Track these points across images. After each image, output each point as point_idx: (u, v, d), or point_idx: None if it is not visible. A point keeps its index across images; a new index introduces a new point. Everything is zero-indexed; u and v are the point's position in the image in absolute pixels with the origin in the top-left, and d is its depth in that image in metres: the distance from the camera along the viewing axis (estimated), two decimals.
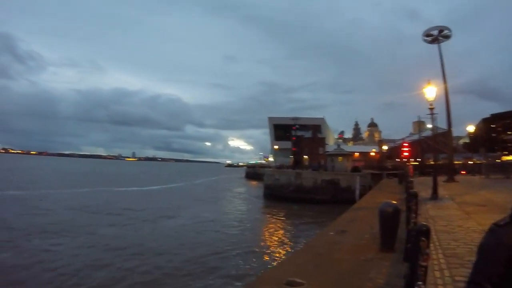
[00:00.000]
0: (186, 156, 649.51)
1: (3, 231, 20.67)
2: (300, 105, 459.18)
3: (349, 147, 73.80)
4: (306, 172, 43.52)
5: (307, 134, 62.94)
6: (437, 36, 24.49)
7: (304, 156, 60.33)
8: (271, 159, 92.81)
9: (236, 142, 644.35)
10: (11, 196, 36.46)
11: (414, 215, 6.28)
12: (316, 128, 65.40)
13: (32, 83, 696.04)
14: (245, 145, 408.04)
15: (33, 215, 26.46)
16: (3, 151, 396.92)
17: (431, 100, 16.74)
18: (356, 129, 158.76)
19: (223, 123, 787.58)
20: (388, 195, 17.35)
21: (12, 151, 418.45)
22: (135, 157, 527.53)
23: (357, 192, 35.08)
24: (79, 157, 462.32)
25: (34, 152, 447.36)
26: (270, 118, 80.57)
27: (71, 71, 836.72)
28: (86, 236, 20.58)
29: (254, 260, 16.27)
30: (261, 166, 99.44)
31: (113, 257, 16.30)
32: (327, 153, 52.29)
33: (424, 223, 3.16)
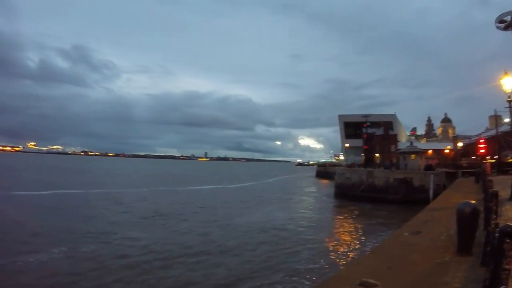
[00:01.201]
0: (257, 156, 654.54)
1: (89, 225, 23.02)
2: (370, 102, 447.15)
3: (422, 144, 71.11)
4: (378, 170, 42.62)
5: (378, 132, 61.52)
6: (511, 22, 23.35)
7: (376, 154, 59.31)
8: (341, 157, 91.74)
9: (306, 141, 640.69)
10: (95, 194, 40.49)
11: (494, 216, 6.00)
12: (387, 125, 63.74)
13: (108, 90, 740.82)
14: (315, 144, 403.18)
15: (114, 211, 29.21)
16: (83, 153, 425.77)
17: (509, 92, 15.64)
18: (429, 125, 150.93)
19: (293, 122, 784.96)
20: (465, 195, 16.81)
21: (91, 153, 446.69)
22: (207, 157, 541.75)
23: (431, 192, 33.87)
24: (154, 158, 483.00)
25: (112, 154, 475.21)
26: (340, 116, 79.82)
27: (144, 77, 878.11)
28: (162, 231, 22.17)
29: (324, 259, 16.27)
30: (332, 164, 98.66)
31: (184, 251, 17.43)
32: (399, 150, 50.96)
33: (509, 224, 3.02)
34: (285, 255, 17.05)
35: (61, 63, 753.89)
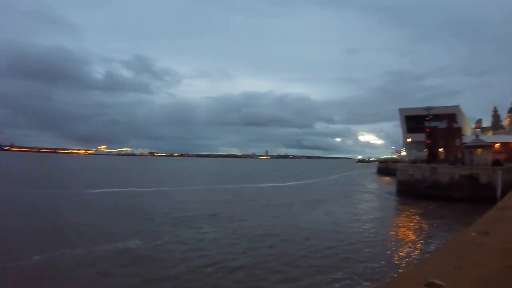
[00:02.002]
0: (317, 153, 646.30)
1: (160, 219, 25.11)
2: (431, 93, 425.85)
3: (488, 137, 66.90)
4: (442, 166, 40.57)
5: (442, 125, 59.20)
6: None
7: (439, 149, 57.07)
8: (403, 153, 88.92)
9: (367, 137, 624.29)
10: (164, 191, 43.19)
11: None
12: (451, 117, 60.93)
13: (170, 95, 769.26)
14: (375, 139, 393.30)
15: (182, 208, 30.92)
16: (150, 154, 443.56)
17: None
18: (495, 116, 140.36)
19: (352, 118, 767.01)
20: None
21: (158, 154, 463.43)
22: (267, 155, 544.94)
23: (499, 189, 31.38)
24: (216, 157, 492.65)
25: (177, 154, 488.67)
26: (401, 110, 77.21)
27: (203, 81, 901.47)
28: (235, 225, 23.65)
29: (385, 259, 16.09)
30: (393, 161, 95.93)
31: (252, 245, 18.37)
32: (464, 145, 48.73)
33: None
34: (345, 253, 16.98)
35: (125, 73, 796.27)
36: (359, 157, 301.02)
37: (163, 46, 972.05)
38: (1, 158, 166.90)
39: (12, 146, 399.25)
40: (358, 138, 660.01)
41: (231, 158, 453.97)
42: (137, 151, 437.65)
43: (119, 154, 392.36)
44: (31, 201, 32.42)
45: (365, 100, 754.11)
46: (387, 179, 75.30)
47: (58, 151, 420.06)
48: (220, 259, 15.81)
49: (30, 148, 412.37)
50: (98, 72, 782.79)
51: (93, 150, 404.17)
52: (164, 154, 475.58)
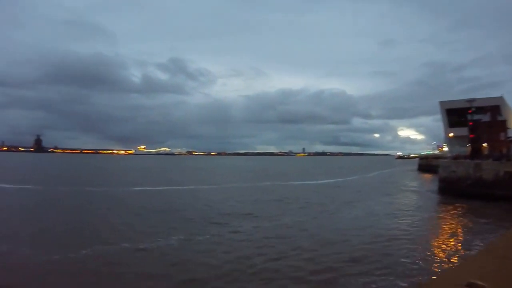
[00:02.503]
0: (355, 150, 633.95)
1: (202, 216, 25.96)
2: (473, 84, 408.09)
3: None
4: (487, 162, 37.97)
5: (485, 118, 56.54)
6: None
7: (483, 144, 54.55)
8: (445, 148, 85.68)
9: (406, 132, 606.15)
10: (205, 189, 45.04)
11: None
12: (494, 109, 57.66)
13: (206, 95, 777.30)
14: (415, 135, 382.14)
15: (222, 205, 32.02)
16: (188, 153, 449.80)
17: None
18: None
19: (390, 113, 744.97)
20: None
21: (195, 153, 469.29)
22: (304, 153, 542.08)
23: None
24: (253, 155, 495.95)
25: (214, 153, 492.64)
26: (441, 103, 74.10)
27: (238, 79, 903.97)
28: (273, 223, 23.69)
29: (424, 259, 15.59)
30: (435, 157, 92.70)
31: (289, 245, 18.20)
32: (510, 139, 46.41)
33: None
34: (383, 252, 16.74)
35: (161, 76, 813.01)
36: (399, 153, 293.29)
37: (197, 47, 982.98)
38: (46, 160, 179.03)
39: (56, 148, 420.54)
40: (397, 134, 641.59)
41: (268, 156, 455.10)
42: (175, 151, 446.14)
43: (157, 154, 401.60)
44: (76, 199, 34.68)
45: (403, 94, 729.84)
46: (428, 176, 72.62)
47: (99, 151, 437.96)
48: (260, 259, 15.78)
49: (73, 149, 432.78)
50: (135, 75, 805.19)
51: (132, 150, 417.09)
52: (201, 153, 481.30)
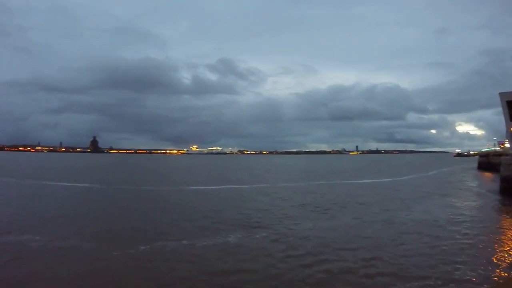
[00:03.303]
0: (410, 147, 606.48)
1: (259, 215, 26.06)
2: None
3: None
4: None
5: None
6: None
7: None
8: (507, 144, 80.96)
9: (464, 127, 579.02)
10: (258, 188, 45.39)
11: None
12: None
13: (257, 94, 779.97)
14: (474, 130, 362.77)
15: (280, 204, 31.85)
16: (239, 153, 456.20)
17: None
18: None
19: (447, 107, 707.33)
20: None
21: (247, 152, 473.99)
22: (358, 151, 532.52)
23: None
24: (305, 153, 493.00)
25: (265, 152, 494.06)
26: (502, 94, 69.00)
27: (288, 77, 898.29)
28: (331, 223, 23.49)
29: (485, 267, 14.28)
30: (496, 154, 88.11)
31: (347, 244, 17.79)
32: None
33: None
34: (439, 258, 15.54)
35: (211, 77, 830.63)
36: (457, 150, 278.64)
37: (246, 47, 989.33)
38: (102, 159, 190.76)
39: (111, 149, 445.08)
40: (455, 129, 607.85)
41: (320, 155, 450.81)
42: (227, 150, 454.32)
43: (209, 153, 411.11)
44: (134, 197, 36.09)
45: (460, 86, 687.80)
46: (489, 175, 68.33)
47: (153, 151, 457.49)
48: (319, 258, 15.56)
49: (127, 149, 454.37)
50: (186, 77, 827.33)
51: (185, 150, 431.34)
52: (252, 152, 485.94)
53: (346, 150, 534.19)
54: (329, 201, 33.31)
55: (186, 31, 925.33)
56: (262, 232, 20.51)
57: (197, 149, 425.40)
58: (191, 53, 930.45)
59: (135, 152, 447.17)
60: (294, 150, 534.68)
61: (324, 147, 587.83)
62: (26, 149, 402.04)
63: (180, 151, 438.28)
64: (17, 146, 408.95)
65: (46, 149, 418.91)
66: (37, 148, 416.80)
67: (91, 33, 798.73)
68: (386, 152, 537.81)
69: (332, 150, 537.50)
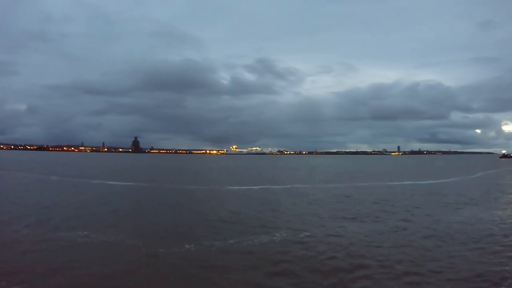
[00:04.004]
0: (454, 147, 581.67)
1: (299, 216, 26.29)
2: None
3: None
4: None
5: None
6: None
7: None
8: None
9: (511, 127, 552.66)
10: (297, 188, 45.92)
11: None
12: None
13: (295, 94, 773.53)
14: None
15: (321, 205, 32.05)
16: (279, 153, 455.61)
17: None
18: None
19: (493, 105, 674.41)
20: None
21: (286, 152, 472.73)
22: (399, 152, 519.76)
23: None
24: (345, 154, 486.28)
25: (305, 152, 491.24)
26: None
27: (327, 76, 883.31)
28: (374, 226, 23.14)
29: None
30: None
31: (391, 250, 17.39)
32: None
33: None
34: (489, 266, 14.97)
35: (249, 77, 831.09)
36: (503, 151, 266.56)
37: (284, 46, 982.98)
38: (143, 159, 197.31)
39: (152, 149, 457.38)
40: (501, 129, 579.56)
41: (361, 155, 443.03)
42: (266, 150, 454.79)
43: (249, 153, 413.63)
44: (178, 196, 37.38)
45: (507, 82, 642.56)
46: None
47: (193, 151, 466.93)
48: (361, 262, 15.38)
49: (168, 150, 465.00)
50: (224, 78, 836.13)
51: (224, 150, 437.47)
52: (292, 152, 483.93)
53: (387, 150, 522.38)
54: (371, 204, 32.95)
55: (223, 32, 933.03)
56: (306, 233, 20.60)
57: (237, 150, 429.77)
58: (229, 53, 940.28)
59: (176, 152, 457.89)
60: (334, 150, 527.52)
61: (364, 148, 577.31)
62: (70, 149, 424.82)
63: (220, 151, 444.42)
64: (62, 146, 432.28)
65: (89, 149, 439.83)
66: (80, 148, 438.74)
67: (131, 38, 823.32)
68: (428, 152, 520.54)
69: (373, 151, 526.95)
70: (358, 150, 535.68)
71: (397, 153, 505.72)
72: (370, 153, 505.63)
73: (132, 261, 15.29)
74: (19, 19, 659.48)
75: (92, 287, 12.93)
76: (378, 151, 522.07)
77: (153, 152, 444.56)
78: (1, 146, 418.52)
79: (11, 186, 44.81)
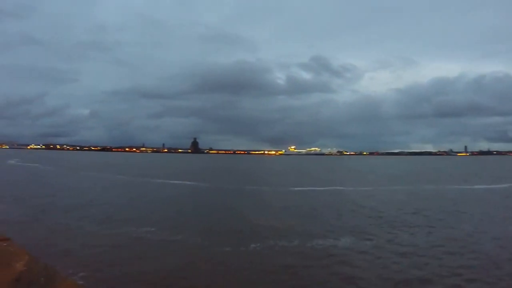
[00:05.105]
0: None
1: (370, 220, 26.05)
2: None
3: None
4: None
5: None
6: None
7: None
8: None
9: None
10: (363, 191, 45.31)
11: None
12: None
13: (353, 92, 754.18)
14: None
15: (386, 208, 31.32)
16: (338, 154, 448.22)
17: None
18: None
19: None
20: None
21: (346, 153, 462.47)
22: (467, 152, 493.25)
23: None
24: (408, 155, 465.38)
25: (366, 153, 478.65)
26: None
27: (385, 72, 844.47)
28: (442, 231, 22.35)
29: None
30: None
31: (457, 261, 16.36)
32: None
33: None
34: None
35: (305, 76, 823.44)
36: None
37: (338, 43, 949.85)
38: (203, 159, 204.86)
39: (210, 150, 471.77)
40: None
41: (425, 156, 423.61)
42: (325, 151, 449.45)
43: (307, 154, 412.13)
44: (240, 196, 38.80)
45: None
46: None
47: (251, 152, 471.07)
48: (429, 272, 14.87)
49: (226, 150, 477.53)
50: (280, 78, 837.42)
51: (283, 151, 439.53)
52: (352, 153, 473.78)
53: (453, 151, 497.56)
54: (437, 208, 31.32)
55: (274, 32, 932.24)
56: (371, 238, 20.20)
57: (295, 150, 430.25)
58: (282, 53, 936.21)
59: (234, 153, 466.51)
60: (396, 150, 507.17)
61: (429, 148, 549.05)
62: (131, 150, 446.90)
63: (278, 152, 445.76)
64: (124, 147, 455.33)
65: (150, 150, 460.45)
66: (141, 149, 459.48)
67: (183, 43, 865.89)
68: (498, 153, 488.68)
69: (438, 151, 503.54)
70: (422, 151, 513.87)
71: (464, 154, 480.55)
72: (434, 154, 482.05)
73: (199, 258, 15.90)
74: (76, 31, 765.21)
75: (158, 279, 13.62)
76: (444, 151, 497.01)
77: (211, 153, 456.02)
78: (67, 147, 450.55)
79: (84, 185, 48.28)
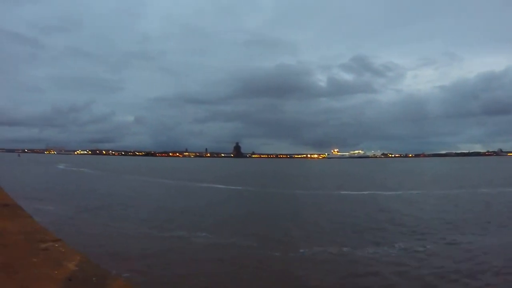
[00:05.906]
0: None
1: (418, 224, 24.77)
2: None
3: None
4: None
5: None
6: None
7: None
8: None
9: None
10: (409, 195, 43.33)
11: None
12: None
13: (397, 91, 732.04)
14: None
15: (423, 214, 29.51)
16: (383, 156, 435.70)
17: None
18: None
19: None
20: None
21: (391, 155, 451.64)
22: None
23: None
24: (455, 156, 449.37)
25: (411, 155, 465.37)
26: None
27: (429, 69, 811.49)
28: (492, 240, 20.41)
29: None
30: None
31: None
32: None
33: None
34: None
35: (346, 77, 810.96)
36: None
37: (378, 41, 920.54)
38: (246, 164, 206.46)
39: (253, 154, 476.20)
40: None
41: (474, 157, 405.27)
42: (370, 153, 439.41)
43: (351, 157, 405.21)
44: (286, 200, 38.29)
45: None
46: None
47: (294, 156, 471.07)
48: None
49: (268, 154, 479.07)
50: (321, 80, 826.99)
51: (326, 154, 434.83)
52: (397, 155, 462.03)
53: (504, 150, 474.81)
54: (491, 213, 29.61)
55: (314, 34, 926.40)
56: (427, 244, 19.09)
57: (339, 153, 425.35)
58: (322, 54, 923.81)
59: (277, 157, 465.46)
60: (443, 152, 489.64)
61: (478, 148, 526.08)
62: (174, 155, 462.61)
63: (321, 155, 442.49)
64: (167, 152, 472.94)
65: (193, 155, 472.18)
66: (185, 153, 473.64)
67: (225, 49, 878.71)
68: None
69: (487, 151, 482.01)
70: (470, 151, 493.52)
71: None
72: (483, 154, 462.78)
73: (250, 263, 15.73)
74: (120, 41, 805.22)
75: (208, 282, 13.72)
76: (493, 151, 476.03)
77: (254, 157, 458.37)
78: (113, 153, 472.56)
79: (131, 188, 49.00)
